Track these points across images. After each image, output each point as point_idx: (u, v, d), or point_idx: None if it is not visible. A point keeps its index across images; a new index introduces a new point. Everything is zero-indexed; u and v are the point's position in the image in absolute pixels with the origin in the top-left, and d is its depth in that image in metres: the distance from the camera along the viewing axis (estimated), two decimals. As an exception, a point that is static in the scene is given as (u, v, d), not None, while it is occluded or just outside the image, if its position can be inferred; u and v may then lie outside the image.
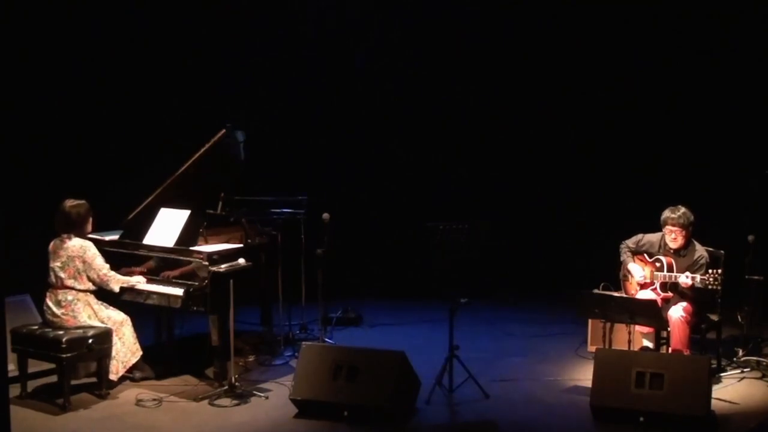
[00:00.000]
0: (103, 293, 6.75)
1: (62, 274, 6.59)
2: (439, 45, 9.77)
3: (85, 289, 6.64)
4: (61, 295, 6.60)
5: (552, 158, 9.75)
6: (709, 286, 6.57)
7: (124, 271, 6.92)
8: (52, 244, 6.68)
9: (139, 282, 6.85)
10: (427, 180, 9.86)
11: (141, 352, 6.79)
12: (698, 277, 6.61)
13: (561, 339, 8.08)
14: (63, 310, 6.57)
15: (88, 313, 6.62)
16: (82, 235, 6.71)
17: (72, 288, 6.60)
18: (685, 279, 6.65)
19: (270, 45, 9.70)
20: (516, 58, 9.70)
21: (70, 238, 6.63)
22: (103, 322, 6.63)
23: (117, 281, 6.73)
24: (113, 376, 6.64)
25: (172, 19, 9.45)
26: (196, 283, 6.64)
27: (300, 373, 6.34)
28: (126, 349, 6.67)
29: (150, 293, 6.84)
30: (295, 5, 9.70)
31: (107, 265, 6.71)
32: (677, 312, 6.64)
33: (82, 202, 6.74)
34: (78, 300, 6.61)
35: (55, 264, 6.61)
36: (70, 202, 6.70)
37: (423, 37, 9.75)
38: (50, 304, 6.63)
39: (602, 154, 9.54)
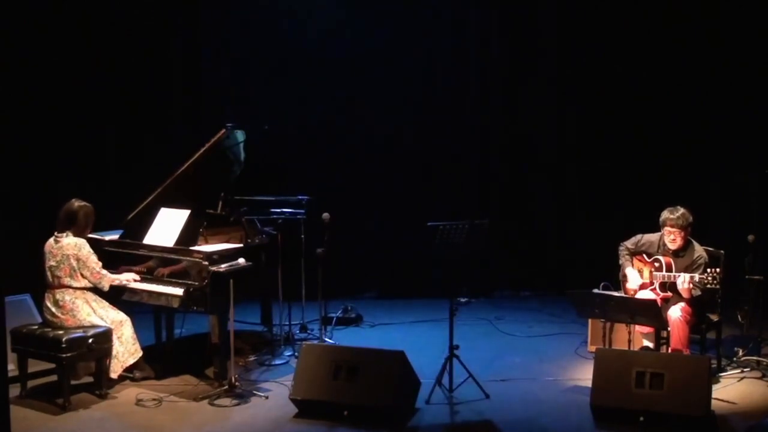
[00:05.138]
0: (104, 293, 6.74)
1: (58, 273, 6.57)
2: (438, 44, 9.76)
3: (82, 287, 6.64)
4: (59, 294, 6.59)
5: (552, 158, 9.74)
6: (708, 285, 6.56)
7: (123, 270, 6.93)
8: (46, 244, 6.66)
9: (130, 280, 6.85)
10: (427, 179, 9.84)
11: (141, 353, 6.78)
12: (696, 276, 6.60)
13: (561, 339, 8.07)
14: (62, 311, 6.56)
15: (87, 311, 6.60)
16: (80, 235, 6.70)
17: (69, 287, 6.59)
18: (683, 284, 6.63)
19: (270, 44, 9.69)
20: (516, 57, 9.69)
21: (66, 236, 6.62)
22: (102, 319, 6.63)
23: (108, 280, 6.72)
24: (113, 375, 6.64)
25: (172, 18, 9.45)
26: (196, 283, 6.64)
27: (300, 373, 6.33)
28: (125, 349, 6.66)
29: (150, 293, 6.84)
30: (294, 6, 9.69)
31: (100, 263, 6.70)
32: (677, 312, 6.63)
33: (89, 205, 6.74)
34: (76, 298, 6.60)
35: (51, 263, 6.60)
36: (78, 202, 6.70)
37: (423, 35, 9.75)
38: (48, 304, 6.62)
39: (602, 154, 9.53)
